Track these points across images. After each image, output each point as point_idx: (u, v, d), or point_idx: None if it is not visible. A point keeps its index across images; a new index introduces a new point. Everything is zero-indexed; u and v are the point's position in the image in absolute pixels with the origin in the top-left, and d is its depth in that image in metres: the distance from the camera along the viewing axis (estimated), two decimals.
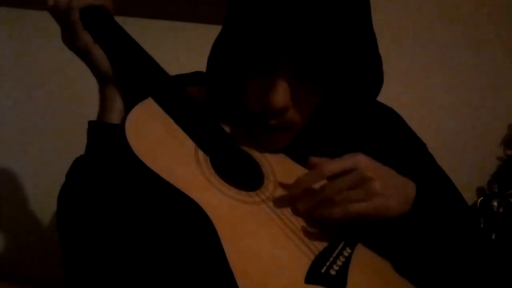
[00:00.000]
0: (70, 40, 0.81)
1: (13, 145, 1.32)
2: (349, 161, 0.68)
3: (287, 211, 0.71)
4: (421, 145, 0.90)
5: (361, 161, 0.68)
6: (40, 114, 1.33)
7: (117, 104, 0.81)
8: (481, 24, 1.52)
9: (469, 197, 1.50)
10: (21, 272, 1.28)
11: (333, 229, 0.71)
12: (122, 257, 0.71)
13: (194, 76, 0.93)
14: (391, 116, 0.92)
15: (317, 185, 0.69)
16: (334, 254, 0.68)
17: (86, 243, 0.74)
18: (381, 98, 0.96)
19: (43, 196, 1.27)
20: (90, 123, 0.82)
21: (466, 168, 1.46)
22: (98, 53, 0.81)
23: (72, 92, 1.29)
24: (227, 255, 0.61)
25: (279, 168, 0.76)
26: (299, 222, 0.70)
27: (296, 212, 0.71)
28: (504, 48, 1.52)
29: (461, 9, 1.52)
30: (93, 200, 0.73)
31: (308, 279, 0.64)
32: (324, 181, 0.69)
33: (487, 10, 1.52)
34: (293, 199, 0.71)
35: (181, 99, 0.77)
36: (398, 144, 0.87)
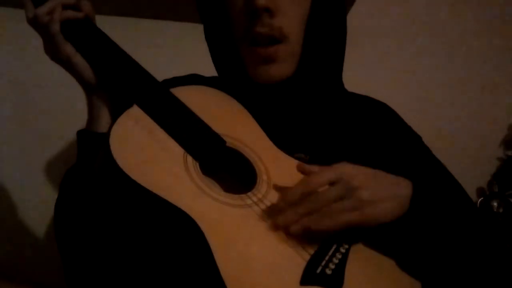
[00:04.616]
0: (52, 51, 0.80)
1: (12, 147, 1.32)
2: (333, 172, 0.68)
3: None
4: (417, 138, 0.90)
5: (346, 171, 0.68)
6: (39, 115, 1.33)
7: (104, 112, 0.81)
8: (481, 23, 1.51)
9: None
10: (21, 272, 1.29)
11: None
12: (119, 264, 0.71)
13: (190, 79, 0.94)
14: (385, 110, 0.93)
15: None
16: (330, 253, 0.68)
17: (84, 253, 0.74)
18: (381, 97, 0.96)
19: (43, 197, 1.28)
20: (79, 132, 0.82)
21: (466, 168, 1.45)
22: (81, 63, 0.80)
23: (73, 93, 1.29)
24: (218, 264, 0.60)
25: (273, 167, 0.75)
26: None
27: None
28: (505, 47, 1.52)
29: (462, 9, 1.51)
30: (87, 211, 0.73)
31: (304, 281, 0.63)
32: None
33: (487, 10, 1.52)
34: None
35: (168, 104, 0.76)
36: (393, 137, 0.87)
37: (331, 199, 0.66)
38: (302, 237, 0.67)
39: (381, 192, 0.68)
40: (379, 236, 0.71)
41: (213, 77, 0.93)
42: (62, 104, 1.32)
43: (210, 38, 0.89)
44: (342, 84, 0.93)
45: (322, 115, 0.86)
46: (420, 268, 0.70)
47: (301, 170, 0.71)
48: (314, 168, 0.70)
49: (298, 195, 0.68)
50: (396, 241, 0.71)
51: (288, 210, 0.67)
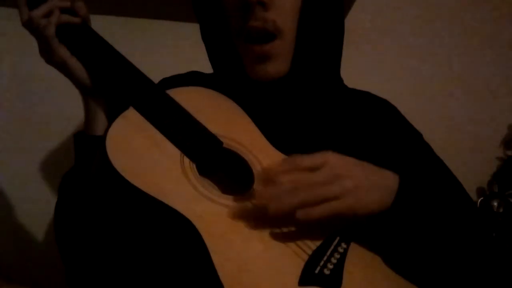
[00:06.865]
0: (47, 54, 0.80)
1: (12, 146, 1.32)
2: (318, 158, 0.67)
3: None
4: (417, 135, 0.90)
5: (330, 158, 0.66)
6: (39, 115, 1.34)
7: (100, 115, 0.81)
8: (481, 25, 1.51)
9: None
10: (21, 272, 1.29)
11: (326, 226, 0.69)
12: (118, 266, 0.71)
13: (190, 76, 0.93)
14: (386, 106, 0.92)
15: None
16: (328, 252, 0.67)
17: (84, 255, 0.74)
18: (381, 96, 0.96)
19: (44, 197, 1.28)
20: (75, 135, 0.82)
21: (466, 168, 1.45)
22: (76, 65, 0.80)
23: (74, 92, 1.30)
24: (215, 265, 0.60)
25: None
26: (290, 222, 0.68)
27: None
28: (504, 48, 1.52)
29: (461, 9, 1.51)
30: (86, 214, 0.73)
31: (302, 281, 0.63)
32: None
33: (486, 11, 1.52)
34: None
35: (164, 106, 0.75)
36: (394, 133, 0.86)
37: (313, 182, 0.64)
38: (300, 237, 0.67)
39: (365, 182, 0.66)
40: (375, 234, 0.70)
41: (213, 74, 0.92)
42: (63, 103, 1.32)
43: (207, 36, 0.88)
44: (341, 80, 0.93)
45: (319, 113, 0.86)
46: (412, 267, 0.69)
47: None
48: (297, 155, 0.68)
49: (280, 170, 0.67)
50: (387, 238, 0.70)
51: (268, 188, 0.65)
